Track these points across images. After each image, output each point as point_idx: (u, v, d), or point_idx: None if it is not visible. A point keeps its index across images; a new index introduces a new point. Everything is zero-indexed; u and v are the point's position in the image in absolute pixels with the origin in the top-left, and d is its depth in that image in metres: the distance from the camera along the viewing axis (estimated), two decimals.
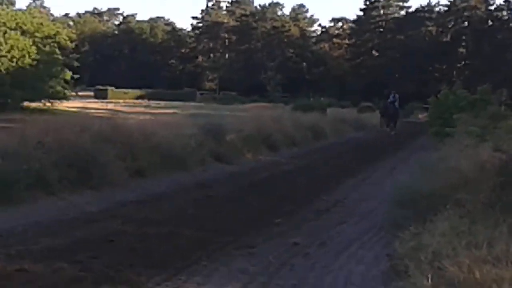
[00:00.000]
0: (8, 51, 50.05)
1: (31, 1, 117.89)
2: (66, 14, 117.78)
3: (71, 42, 61.32)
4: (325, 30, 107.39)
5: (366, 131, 40.05)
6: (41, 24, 55.83)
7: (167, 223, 11.01)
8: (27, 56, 51.03)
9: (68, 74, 56.36)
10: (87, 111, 48.97)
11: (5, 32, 50.87)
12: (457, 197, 9.63)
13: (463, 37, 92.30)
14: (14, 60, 50.23)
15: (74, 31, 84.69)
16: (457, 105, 24.43)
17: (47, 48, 54.57)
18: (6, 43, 50.23)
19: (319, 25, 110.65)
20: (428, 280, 7.04)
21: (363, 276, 8.62)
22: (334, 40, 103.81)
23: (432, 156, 16.58)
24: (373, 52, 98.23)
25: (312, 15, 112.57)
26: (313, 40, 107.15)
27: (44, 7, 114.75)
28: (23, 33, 52.72)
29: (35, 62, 51.50)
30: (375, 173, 20.73)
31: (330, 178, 18.65)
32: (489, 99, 24.21)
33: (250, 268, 8.69)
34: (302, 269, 8.85)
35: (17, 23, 52.99)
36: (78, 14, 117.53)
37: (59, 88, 54.96)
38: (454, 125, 19.89)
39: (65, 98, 55.66)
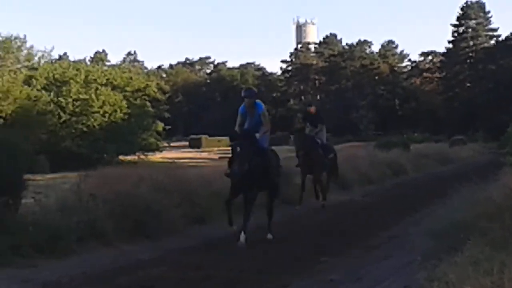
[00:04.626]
0: (100, 107, 52.02)
1: (125, 56, 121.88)
2: (159, 67, 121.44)
3: (164, 93, 63.04)
4: (415, 65, 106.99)
5: (450, 166, 39.52)
6: (131, 78, 57.68)
7: (210, 267, 11.33)
8: (118, 110, 52.82)
9: (160, 126, 58.01)
10: (181, 161, 50.08)
11: (96, 89, 52.86)
12: (481, 225, 9.72)
13: None
14: (106, 115, 52.06)
15: (166, 82, 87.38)
16: None
17: (138, 102, 56.32)
18: (98, 99, 52.14)
19: (409, 60, 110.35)
20: None
21: None
22: (425, 74, 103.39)
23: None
24: (465, 84, 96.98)
25: (402, 51, 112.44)
26: (404, 75, 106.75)
27: (138, 61, 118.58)
28: (114, 88, 54.70)
29: (126, 116, 53.17)
30: (443, 207, 20.47)
31: (393, 214, 18.68)
32: None
33: None
34: None
35: (107, 79, 55.03)
36: (171, 66, 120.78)
37: (152, 140, 56.63)
38: None
39: (158, 149, 57.15)
